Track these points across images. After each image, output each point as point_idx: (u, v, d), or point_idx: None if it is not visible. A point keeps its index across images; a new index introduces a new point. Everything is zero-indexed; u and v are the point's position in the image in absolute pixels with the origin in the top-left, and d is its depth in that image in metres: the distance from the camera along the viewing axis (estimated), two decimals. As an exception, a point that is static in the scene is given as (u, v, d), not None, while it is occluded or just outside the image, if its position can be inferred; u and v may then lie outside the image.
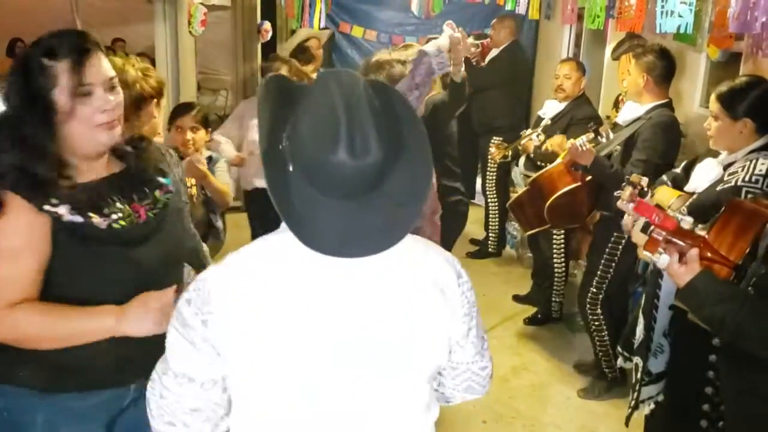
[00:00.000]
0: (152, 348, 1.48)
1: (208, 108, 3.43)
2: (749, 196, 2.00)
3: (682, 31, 2.93)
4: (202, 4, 4.62)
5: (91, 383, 1.45)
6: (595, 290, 3.16)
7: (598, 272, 3.12)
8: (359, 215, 1.00)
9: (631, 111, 3.01)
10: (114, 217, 1.41)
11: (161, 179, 1.56)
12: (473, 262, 4.85)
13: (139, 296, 1.38)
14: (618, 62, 4.45)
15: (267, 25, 5.99)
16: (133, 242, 1.44)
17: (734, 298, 1.57)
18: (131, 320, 1.35)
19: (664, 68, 2.92)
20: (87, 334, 1.36)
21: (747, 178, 2.05)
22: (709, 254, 1.61)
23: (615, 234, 3.02)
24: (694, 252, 1.58)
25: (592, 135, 2.99)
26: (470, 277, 1.19)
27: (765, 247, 1.65)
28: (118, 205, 1.43)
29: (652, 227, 1.60)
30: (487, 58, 4.87)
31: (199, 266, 1.56)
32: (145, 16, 4.62)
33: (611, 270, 3.08)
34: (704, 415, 2.05)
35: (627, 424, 2.17)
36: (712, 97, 2.27)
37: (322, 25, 5.28)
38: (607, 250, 3.07)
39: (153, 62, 4.75)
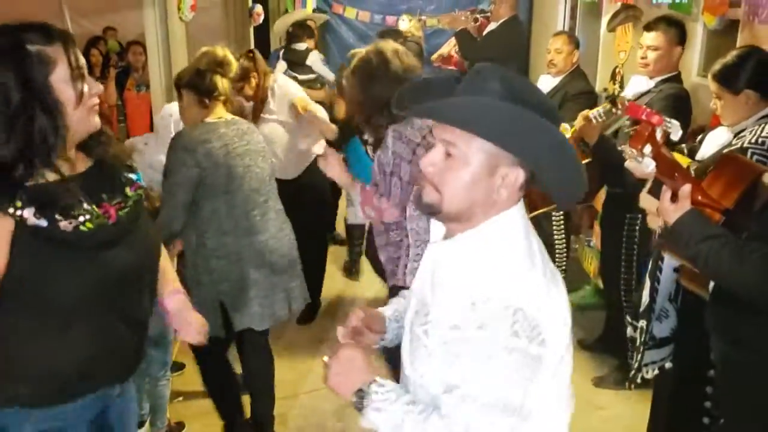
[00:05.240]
0: (132, 347, 1.50)
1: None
2: (755, 158, 1.99)
3: (676, 0, 2.91)
4: (191, -12, 4.55)
5: (76, 391, 1.41)
6: (626, 276, 3.03)
7: (623, 258, 3.01)
8: None
9: (640, 84, 2.94)
10: (81, 219, 1.33)
11: (131, 175, 1.50)
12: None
13: None
14: (614, 34, 4.40)
15: (259, 8, 5.94)
16: (102, 245, 1.36)
17: (719, 237, 1.59)
18: None
19: (686, 39, 2.87)
20: None
21: (753, 140, 2.04)
22: (700, 197, 1.65)
23: (627, 216, 2.94)
24: (686, 188, 1.61)
25: (609, 106, 2.85)
26: None
27: (758, 207, 1.68)
28: (86, 206, 1.35)
29: (639, 126, 1.68)
30: (485, 31, 4.83)
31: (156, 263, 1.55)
32: (135, 2, 4.55)
33: (635, 252, 2.97)
34: (709, 381, 2.07)
35: (629, 386, 2.20)
36: (709, 77, 2.25)
37: (314, 6, 5.23)
38: (624, 233, 2.98)
39: (144, 49, 4.70)
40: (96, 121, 1.38)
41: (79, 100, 1.32)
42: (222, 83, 2.41)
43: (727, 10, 3.27)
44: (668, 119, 1.70)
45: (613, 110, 2.86)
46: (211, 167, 2.31)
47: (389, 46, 2.33)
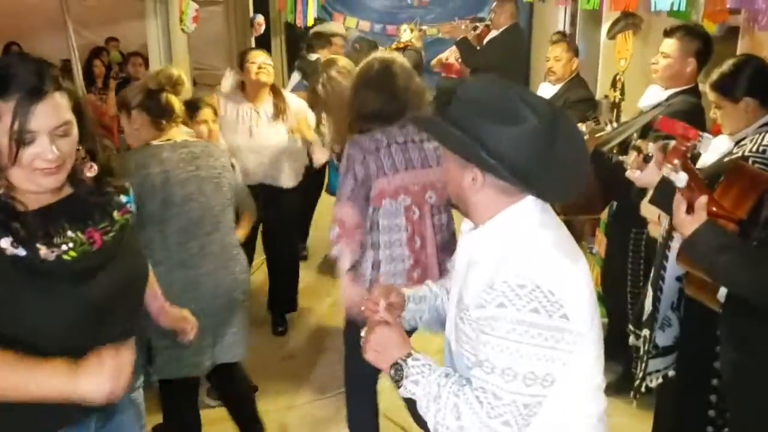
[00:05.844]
0: None
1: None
2: (756, 166, 1.98)
3: (675, 8, 2.91)
4: (193, 0, 4.58)
5: (52, 426, 1.34)
6: (633, 290, 2.94)
7: (629, 272, 2.94)
8: None
9: (654, 95, 2.85)
10: (64, 247, 1.28)
11: (121, 198, 1.45)
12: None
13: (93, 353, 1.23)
14: (614, 41, 4.41)
15: (260, 18, 5.97)
16: (84, 272, 1.31)
17: (736, 247, 1.59)
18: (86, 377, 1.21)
19: (709, 54, 2.77)
20: (38, 391, 1.21)
21: (755, 149, 2.02)
22: (714, 209, 1.64)
23: (633, 230, 2.87)
24: (702, 200, 1.61)
25: (592, 124, 2.83)
26: None
27: (765, 217, 1.68)
28: (69, 233, 1.31)
29: (676, 140, 1.68)
30: (485, 40, 4.85)
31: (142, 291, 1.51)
32: (137, 14, 4.59)
33: (641, 266, 2.90)
34: (713, 389, 2.06)
35: (634, 396, 2.18)
36: (707, 88, 2.24)
37: (315, 15, 5.25)
38: (630, 248, 2.92)
39: (146, 61, 4.73)
40: (44, 182, 1.27)
41: (12, 161, 1.23)
42: (177, 103, 2.30)
43: (727, 16, 3.27)
44: (701, 133, 1.71)
45: (598, 125, 2.85)
46: (147, 194, 2.13)
47: (398, 59, 2.37)
